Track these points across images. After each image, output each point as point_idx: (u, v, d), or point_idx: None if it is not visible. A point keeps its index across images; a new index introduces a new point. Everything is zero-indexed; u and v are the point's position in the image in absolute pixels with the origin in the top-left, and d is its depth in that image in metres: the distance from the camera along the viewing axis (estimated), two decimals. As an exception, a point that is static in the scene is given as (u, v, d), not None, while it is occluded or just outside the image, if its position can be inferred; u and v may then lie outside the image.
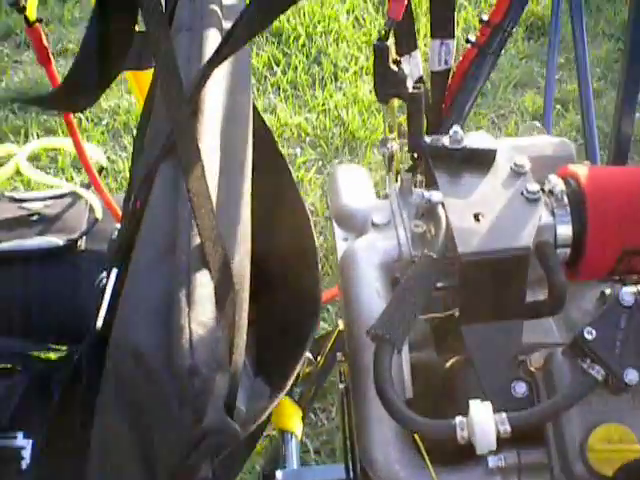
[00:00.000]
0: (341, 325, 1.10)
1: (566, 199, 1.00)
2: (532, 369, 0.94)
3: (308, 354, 1.75)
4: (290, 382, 0.95)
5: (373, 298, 0.98)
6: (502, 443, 0.88)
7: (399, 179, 1.11)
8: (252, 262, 0.82)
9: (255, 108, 1.10)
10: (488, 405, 0.85)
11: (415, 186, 1.13)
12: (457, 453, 0.91)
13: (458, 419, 0.85)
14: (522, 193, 0.99)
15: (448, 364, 1.03)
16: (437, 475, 0.92)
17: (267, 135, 1.14)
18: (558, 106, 3.25)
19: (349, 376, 1.00)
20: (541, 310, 0.99)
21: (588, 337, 0.85)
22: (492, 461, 0.92)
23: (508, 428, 0.83)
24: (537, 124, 1.44)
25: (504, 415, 0.84)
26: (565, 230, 1.00)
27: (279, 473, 1.60)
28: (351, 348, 0.99)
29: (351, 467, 1.18)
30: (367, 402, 0.94)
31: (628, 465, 0.75)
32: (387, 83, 1.39)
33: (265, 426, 0.93)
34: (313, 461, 2.23)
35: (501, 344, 0.97)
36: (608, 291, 1.10)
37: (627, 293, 0.87)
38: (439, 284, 0.97)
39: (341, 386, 1.17)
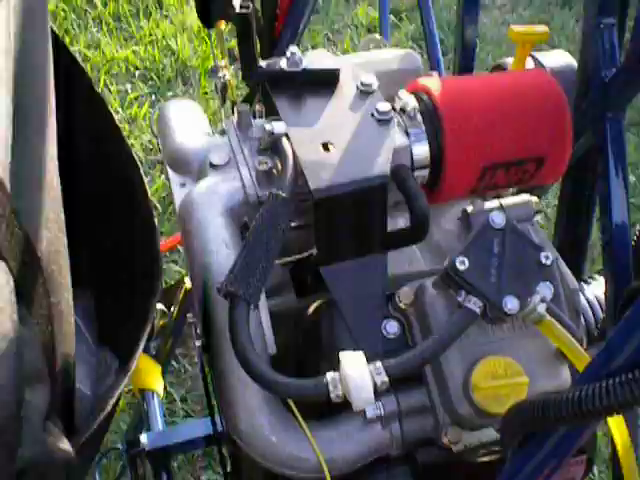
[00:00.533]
0: (188, 283, 0.98)
1: (420, 117, 0.91)
2: (402, 305, 0.87)
3: (160, 306, 1.62)
4: (140, 347, 0.83)
5: (221, 250, 0.86)
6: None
7: (235, 111, 0.99)
8: (76, 225, 0.69)
9: (65, 47, 0.95)
10: (360, 356, 0.77)
11: (254, 117, 1.01)
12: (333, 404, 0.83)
13: (329, 376, 0.76)
14: (372, 115, 0.90)
15: (311, 309, 0.93)
16: (313, 432, 0.84)
17: (82, 77, 0.98)
18: (391, 17, 3.17)
19: (205, 339, 0.89)
20: (404, 239, 0.91)
21: (461, 267, 0.77)
22: (370, 411, 0.84)
23: (385, 378, 0.75)
24: (377, 36, 1.34)
25: (379, 364, 0.76)
26: (422, 150, 0.91)
27: (144, 437, 1.49)
28: (201, 308, 0.87)
29: (218, 420, 1.07)
30: (227, 366, 0.84)
31: (519, 405, 0.68)
32: (212, 4, 1.26)
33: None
34: (180, 410, 2.13)
35: (365, 282, 0.88)
36: (470, 208, 1.03)
37: (497, 215, 0.80)
38: (292, 224, 0.87)
39: (197, 343, 1.06)
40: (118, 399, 0.79)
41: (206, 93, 2.91)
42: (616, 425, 0.69)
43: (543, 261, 0.79)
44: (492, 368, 0.79)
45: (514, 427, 0.70)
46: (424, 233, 0.89)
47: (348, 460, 0.84)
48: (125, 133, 2.69)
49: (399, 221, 0.97)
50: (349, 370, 0.75)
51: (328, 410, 0.86)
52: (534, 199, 1.04)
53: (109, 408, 0.72)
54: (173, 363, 2.19)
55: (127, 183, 0.94)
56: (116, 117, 2.71)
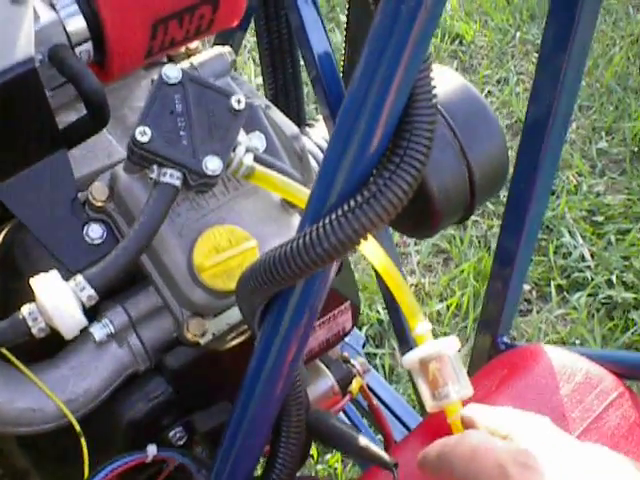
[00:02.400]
0: None
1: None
2: (99, 203, 0.74)
3: None
4: None
5: None
6: (97, 306, 0.69)
7: None
8: None
9: None
10: (54, 276, 0.64)
11: None
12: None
13: (25, 310, 0.63)
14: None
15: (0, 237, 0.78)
16: (40, 377, 0.71)
17: None
18: None
19: None
20: (84, 129, 0.77)
21: (143, 139, 0.65)
22: (98, 332, 0.72)
23: (91, 292, 0.63)
24: None
25: (80, 278, 0.64)
26: (76, 22, 0.76)
27: None
28: None
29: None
30: None
31: (245, 273, 0.59)
32: None
33: None
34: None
35: (49, 189, 0.74)
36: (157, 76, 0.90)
37: (170, 68, 0.67)
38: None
39: None
40: None
41: None
42: (370, 249, 0.62)
43: (236, 106, 0.68)
44: (213, 242, 0.69)
45: (248, 298, 0.61)
46: (104, 116, 0.76)
47: (91, 393, 0.73)
48: None
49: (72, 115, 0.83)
50: (44, 296, 0.62)
51: (57, 346, 0.73)
52: (227, 49, 0.93)
53: None
54: None
55: None
56: None
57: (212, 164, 0.66)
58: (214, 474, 0.72)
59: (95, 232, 0.74)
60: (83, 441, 0.72)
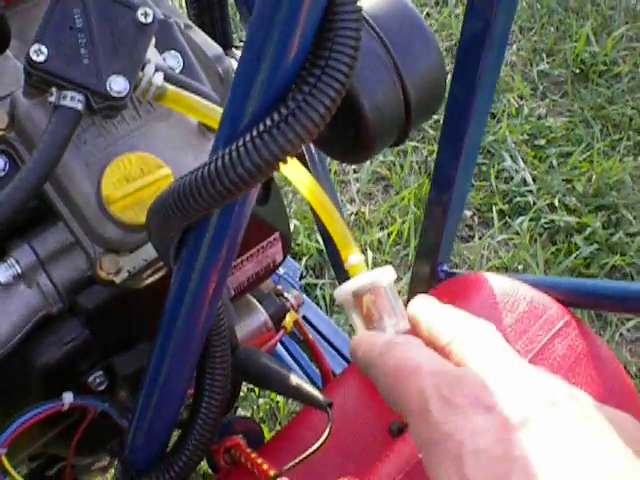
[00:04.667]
0: None
1: None
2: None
3: None
4: None
5: None
6: (5, 244, 0.63)
7: None
8: None
9: None
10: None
11: None
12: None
13: None
14: None
15: None
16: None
17: None
18: None
19: None
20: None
21: (39, 58, 0.58)
22: (3, 274, 0.66)
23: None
24: None
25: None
26: None
27: None
28: None
29: None
30: None
31: (154, 203, 0.53)
32: None
33: None
34: None
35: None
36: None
37: (61, -22, 0.60)
38: None
39: None
40: None
41: None
42: (295, 175, 0.57)
43: (142, 20, 0.61)
44: (123, 171, 0.63)
45: (160, 230, 0.55)
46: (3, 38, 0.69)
47: (0, 338, 0.67)
48: None
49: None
50: None
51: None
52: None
53: None
54: None
55: None
56: None
57: (117, 85, 0.59)
58: (135, 420, 0.68)
59: (-5, 164, 0.67)
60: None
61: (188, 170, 0.65)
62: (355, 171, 2.03)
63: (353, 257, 0.60)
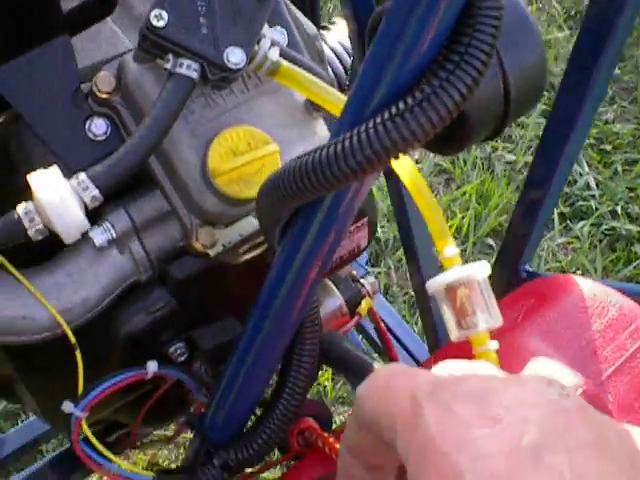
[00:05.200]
0: None
1: None
2: (104, 95, 0.66)
3: None
4: None
5: None
6: (98, 210, 0.62)
7: None
8: None
9: None
10: (54, 172, 0.57)
11: None
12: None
13: (21, 209, 0.56)
14: None
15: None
16: (33, 283, 0.65)
17: None
18: None
19: None
20: (88, 15, 0.70)
21: (159, 23, 0.58)
22: (98, 237, 0.66)
23: (95, 192, 0.57)
24: None
25: (83, 176, 0.57)
26: None
27: None
28: None
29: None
30: None
31: (270, 179, 0.52)
32: None
33: None
34: None
35: (51, 78, 0.67)
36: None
37: (191, -57, 0.59)
38: None
39: None
40: None
41: None
42: (400, 162, 0.56)
43: (264, -7, 0.60)
44: (230, 144, 0.62)
45: (269, 209, 0.54)
46: (111, 1, 0.68)
47: (89, 302, 0.67)
48: None
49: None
50: (43, 194, 0.56)
51: (49, 249, 0.67)
52: None
53: None
54: None
55: None
56: None
57: (234, 56, 0.58)
58: (219, 395, 0.67)
59: (99, 127, 0.67)
60: (78, 354, 0.66)
61: (294, 147, 0.65)
62: (417, 162, 2.01)
63: (449, 249, 0.59)
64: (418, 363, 1.19)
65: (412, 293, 1.69)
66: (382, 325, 0.97)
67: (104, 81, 0.66)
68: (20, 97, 0.66)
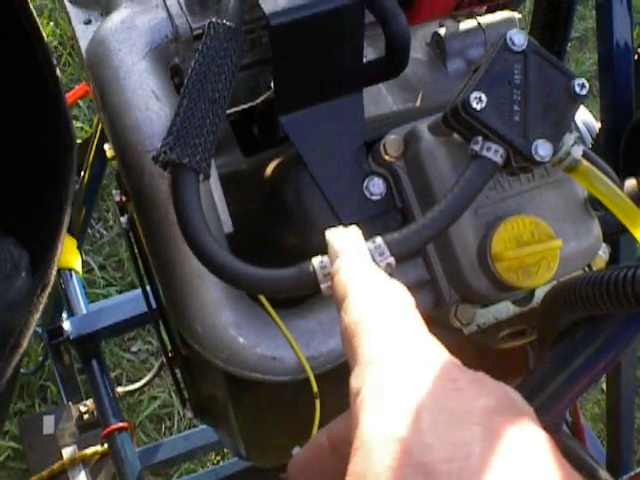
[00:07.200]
0: (108, 151, 0.76)
1: None
2: (388, 158, 0.68)
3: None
4: (57, 252, 0.64)
5: (150, 104, 0.65)
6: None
7: None
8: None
9: None
10: (355, 232, 0.59)
11: None
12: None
13: (317, 262, 0.58)
14: None
15: (269, 170, 0.74)
16: (288, 326, 0.67)
17: None
18: None
19: (139, 220, 0.70)
20: (380, 73, 0.72)
21: (477, 106, 0.58)
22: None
23: (390, 259, 0.57)
24: None
25: (380, 242, 0.58)
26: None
27: (66, 324, 1.30)
28: (133, 182, 0.67)
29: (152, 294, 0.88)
30: (174, 253, 0.65)
31: (565, 283, 0.52)
32: None
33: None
34: (100, 280, 1.94)
35: (339, 130, 0.69)
36: (442, 31, 0.84)
37: (516, 34, 0.60)
38: (243, 61, 0.67)
39: (123, 220, 0.85)
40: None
41: None
42: None
43: (577, 90, 0.60)
44: (516, 232, 0.62)
45: (554, 310, 0.54)
46: (404, 63, 0.70)
47: (334, 353, 0.68)
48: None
49: (367, 52, 0.78)
50: (342, 250, 0.57)
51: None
52: (516, 15, 0.86)
53: (24, 344, 0.53)
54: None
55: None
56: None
57: (543, 150, 0.59)
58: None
59: (376, 187, 0.68)
60: (317, 402, 0.68)
61: (569, 243, 0.64)
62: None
63: None
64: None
65: None
66: (581, 420, 0.95)
67: (393, 146, 0.67)
68: (307, 144, 0.69)
